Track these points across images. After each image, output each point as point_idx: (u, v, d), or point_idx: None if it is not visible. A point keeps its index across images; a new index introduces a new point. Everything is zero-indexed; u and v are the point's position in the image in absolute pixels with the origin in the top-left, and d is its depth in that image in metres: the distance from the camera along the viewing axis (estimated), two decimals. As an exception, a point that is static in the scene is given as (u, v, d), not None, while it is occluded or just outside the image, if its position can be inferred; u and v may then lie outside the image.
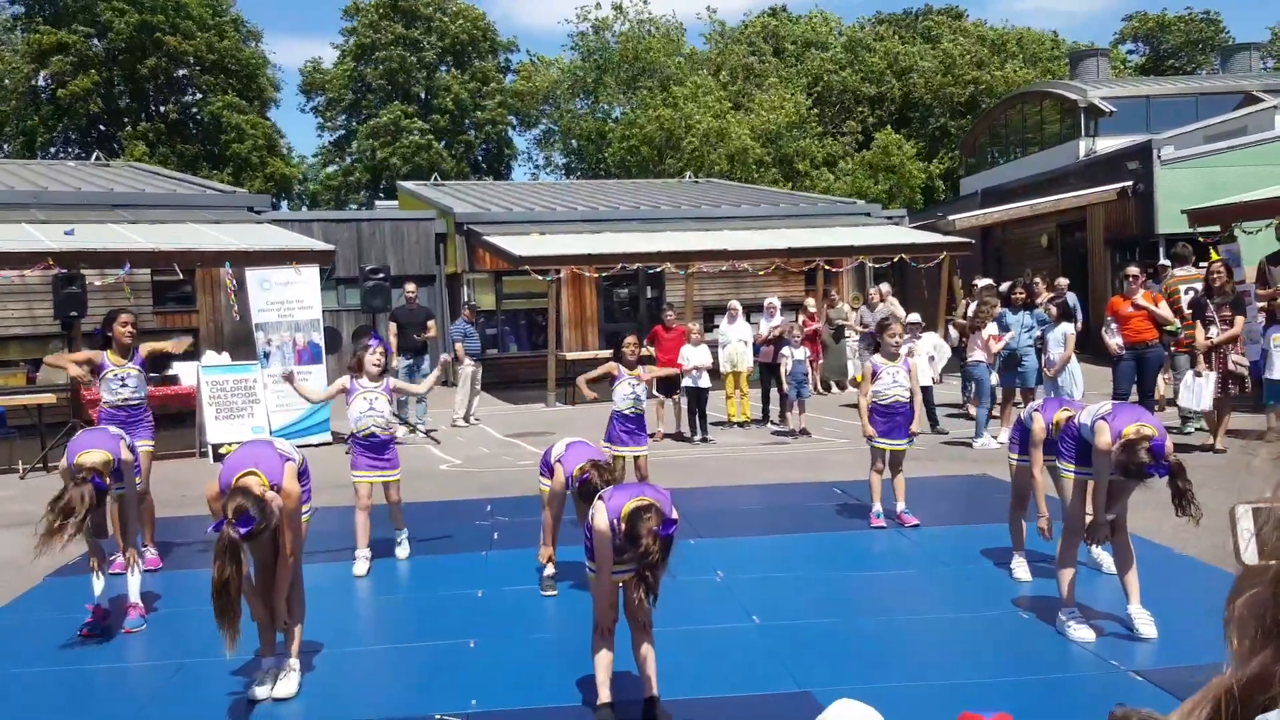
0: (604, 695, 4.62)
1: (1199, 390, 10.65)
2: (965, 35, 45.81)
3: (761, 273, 19.77)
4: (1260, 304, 11.59)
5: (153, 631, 6.18)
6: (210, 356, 14.25)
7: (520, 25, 71.20)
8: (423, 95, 44.96)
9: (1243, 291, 12.06)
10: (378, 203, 35.33)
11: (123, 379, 7.60)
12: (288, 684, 5.08)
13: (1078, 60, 36.07)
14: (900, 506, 8.24)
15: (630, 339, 8.31)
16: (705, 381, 13.33)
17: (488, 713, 4.81)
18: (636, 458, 8.19)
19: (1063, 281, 15.97)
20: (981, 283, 14.31)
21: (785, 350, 13.77)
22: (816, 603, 6.37)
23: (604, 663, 4.64)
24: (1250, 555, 1.07)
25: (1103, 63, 35.20)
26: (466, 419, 15.41)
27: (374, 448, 7.43)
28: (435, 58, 44.62)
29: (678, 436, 13.64)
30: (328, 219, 22.28)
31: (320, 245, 15.32)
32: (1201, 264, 11.95)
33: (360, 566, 7.36)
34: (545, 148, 48.82)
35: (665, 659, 4.77)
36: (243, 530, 4.47)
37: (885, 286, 16.21)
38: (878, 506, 8.24)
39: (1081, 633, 5.47)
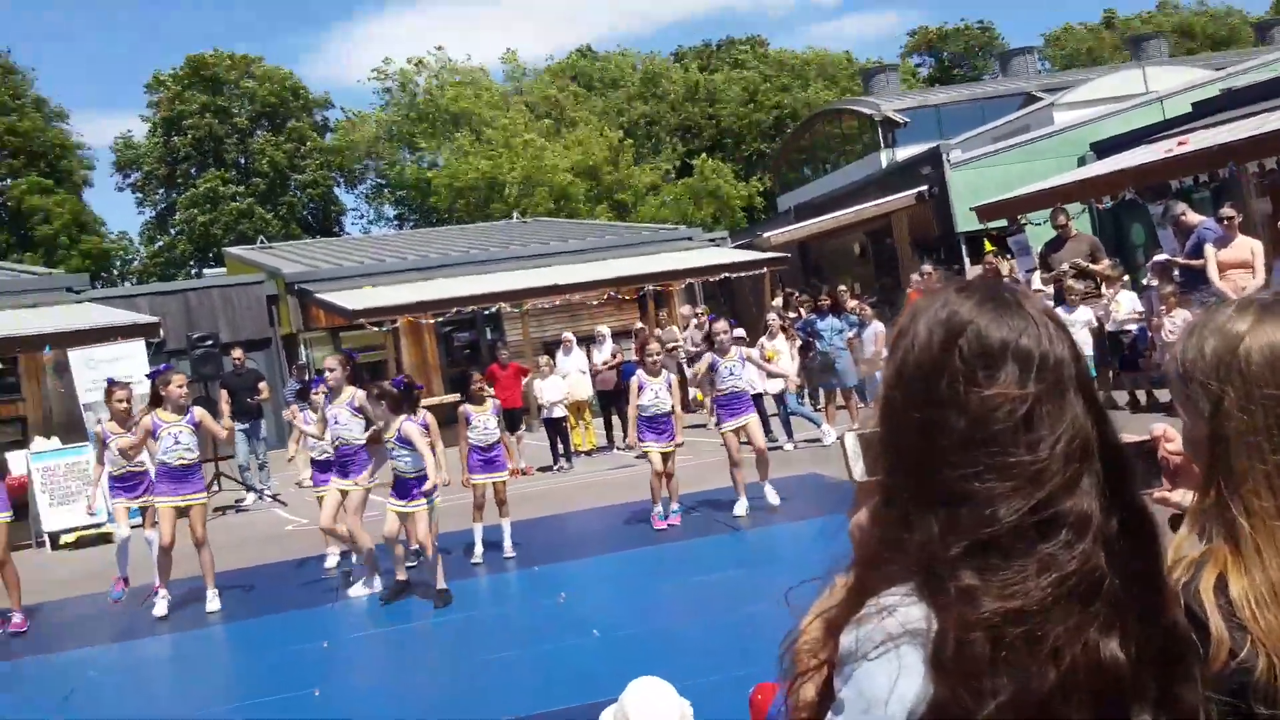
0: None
1: None
2: (766, 63, 47.72)
3: (595, 304, 20.28)
4: (1044, 289, 12.64)
5: None
6: (39, 443, 13.86)
7: (328, 82, 70.73)
8: (241, 161, 44.14)
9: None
10: (206, 271, 34.46)
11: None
12: None
13: (870, 77, 38.01)
14: (674, 507, 9.03)
15: (474, 377, 8.91)
16: (560, 411, 13.73)
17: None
18: (494, 484, 8.63)
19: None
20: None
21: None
22: (650, 611, 6.82)
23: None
24: (859, 473, 1.31)
25: (892, 77, 37.27)
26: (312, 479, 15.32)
27: (176, 476, 7.84)
28: (248, 122, 43.88)
29: (543, 468, 13.83)
30: (153, 292, 21.82)
31: (142, 318, 15.13)
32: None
33: (160, 607, 7.89)
34: (374, 200, 48.53)
35: (515, 679, 5.34)
36: None
37: (700, 307, 16.97)
38: (658, 508, 8.97)
39: None
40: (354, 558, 8.32)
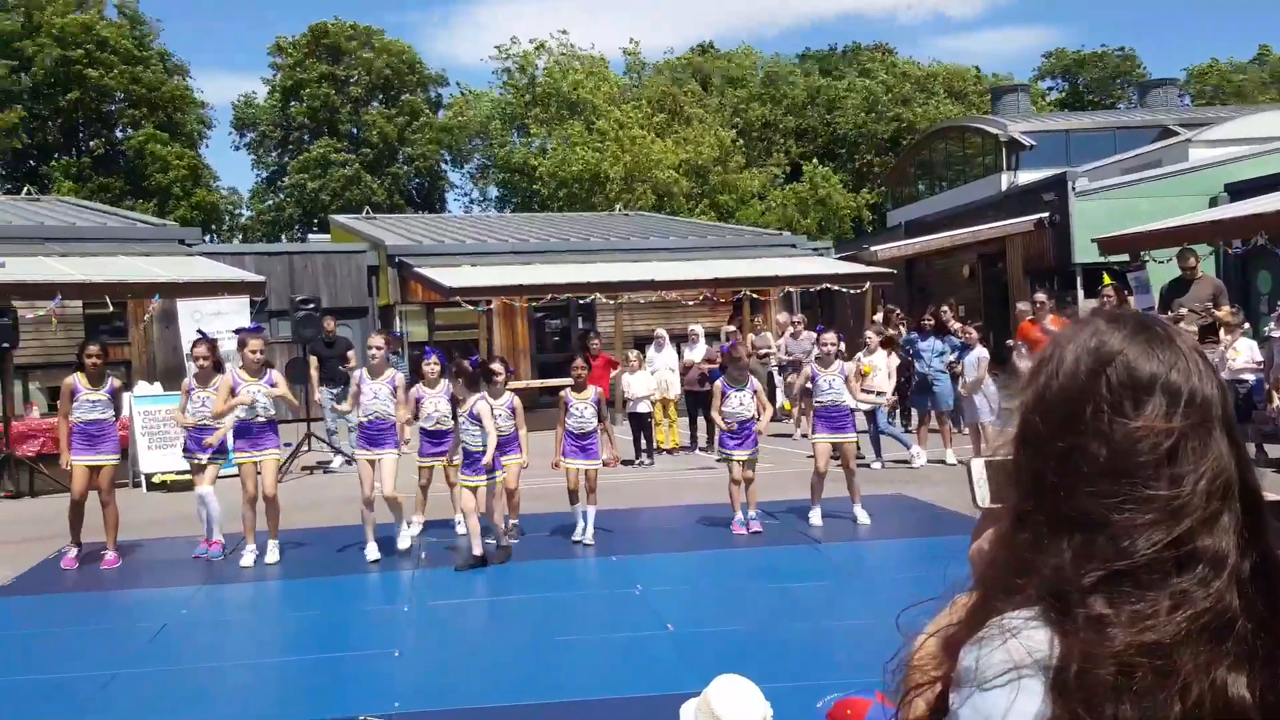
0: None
1: None
2: (891, 73, 46.88)
3: (689, 303, 20.18)
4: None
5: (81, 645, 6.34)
6: (142, 387, 14.27)
7: (446, 60, 71.81)
8: (354, 131, 45.05)
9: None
10: (310, 236, 35.25)
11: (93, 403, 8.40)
12: None
13: (999, 95, 36.96)
14: (752, 514, 8.97)
15: (577, 363, 9.11)
16: (645, 407, 13.70)
17: (411, 714, 5.07)
18: (586, 471, 8.77)
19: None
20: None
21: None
22: (724, 611, 6.76)
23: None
24: (984, 499, 1.31)
25: (1023, 98, 36.12)
26: (396, 445, 15.53)
27: (251, 434, 8.22)
28: (363, 92, 44.75)
29: (624, 462, 13.79)
30: (259, 251, 22.35)
31: (250, 276, 15.46)
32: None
33: (247, 558, 8.18)
34: (479, 180, 49.13)
35: (586, 662, 5.43)
36: None
37: (798, 316, 16.73)
38: (738, 516, 8.91)
39: None
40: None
